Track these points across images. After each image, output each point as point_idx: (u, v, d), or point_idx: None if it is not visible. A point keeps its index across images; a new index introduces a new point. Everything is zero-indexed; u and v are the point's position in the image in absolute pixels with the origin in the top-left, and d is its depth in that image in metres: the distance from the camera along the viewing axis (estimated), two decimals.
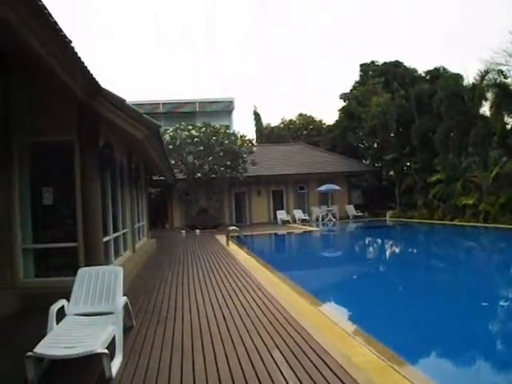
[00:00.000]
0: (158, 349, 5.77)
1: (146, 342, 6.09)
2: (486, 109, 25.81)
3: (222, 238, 21.43)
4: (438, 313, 9.35)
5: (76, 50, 6.18)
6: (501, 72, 23.84)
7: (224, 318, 7.16)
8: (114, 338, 5.30)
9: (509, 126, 24.04)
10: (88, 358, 4.77)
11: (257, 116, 53.18)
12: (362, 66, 42.80)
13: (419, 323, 8.57)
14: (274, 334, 6.19)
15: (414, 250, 21.92)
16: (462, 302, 10.48)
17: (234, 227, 21.46)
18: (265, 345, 5.78)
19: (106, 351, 4.74)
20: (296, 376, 4.70)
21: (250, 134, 48.16)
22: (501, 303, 10.98)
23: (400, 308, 10.03)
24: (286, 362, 5.13)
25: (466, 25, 68.45)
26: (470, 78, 27.52)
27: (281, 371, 4.85)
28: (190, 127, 29.94)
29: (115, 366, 5.03)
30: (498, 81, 23.86)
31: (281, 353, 5.44)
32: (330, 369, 4.84)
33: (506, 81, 23.80)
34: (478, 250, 20.42)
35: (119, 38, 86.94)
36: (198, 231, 27.56)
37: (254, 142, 33.39)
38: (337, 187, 33.25)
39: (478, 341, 7.66)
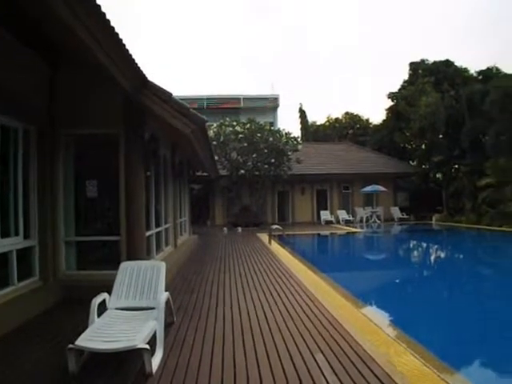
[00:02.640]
0: (198, 346, 5.70)
1: (187, 338, 6.03)
2: None
3: (264, 237, 21.34)
4: (485, 319, 9.01)
5: (124, 42, 6.17)
6: None
7: (266, 318, 7.03)
8: (154, 334, 5.25)
9: None
10: (128, 353, 4.76)
11: (302, 113, 52.89)
12: (411, 64, 41.85)
13: (466, 330, 8.28)
14: (317, 337, 6.02)
15: (460, 256, 21.28)
16: (509, 309, 10.07)
17: (276, 226, 21.29)
18: (307, 347, 5.62)
19: (147, 346, 4.70)
20: (339, 381, 4.56)
21: (295, 131, 47.98)
22: None
23: (445, 314, 9.72)
24: (330, 365, 4.97)
25: None
26: None
27: (324, 375, 4.71)
28: (235, 123, 29.86)
29: (155, 361, 4.99)
30: None
31: (324, 356, 5.28)
32: (375, 374, 4.70)
33: None
34: None
35: (165, 31, 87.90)
36: (239, 229, 27.49)
37: (299, 139, 33.06)
38: (382, 188, 32.64)
39: None
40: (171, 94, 7.71)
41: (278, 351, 5.47)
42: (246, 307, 7.80)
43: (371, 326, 6.71)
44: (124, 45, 6.20)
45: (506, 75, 29.07)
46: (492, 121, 26.60)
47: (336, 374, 4.71)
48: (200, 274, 11.59)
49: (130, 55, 6.56)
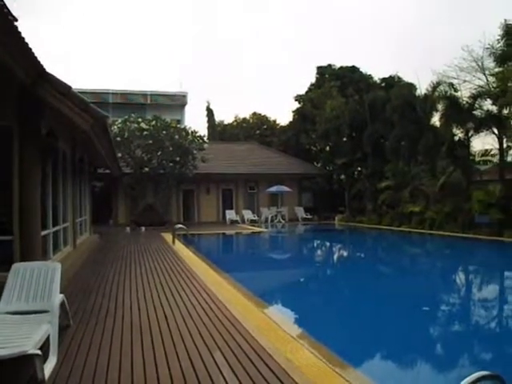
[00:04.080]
0: (95, 349, 5.53)
1: (84, 342, 5.83)
2: (436, 119, 26.61)
3: (168, 236, 21.06)
4: (381, 316, 9.46)
5: (19, 28, 5.82)
6: (451, 85, 24.57)
7: (166, 318, 6.97)
8: (48, 338, 5.01)
9: (457, 138, 24.75)
10: (19, 360, 4.46)
11: (210, 112, 52.83)
12: (318, 68, 43.25)
13: (363, 326, 8.65)
14: (216, 335, 6.07)
15: (361, 255, 22.23)
16: (404, 305, 10.63)
17: (180, 225, 21.07)
18: (206, 345, 5.65)
19: (39, 352, 4.45)
20: (237, 378, 4.61)
21: (202, 130, 47.84)
22: (441, 307, 11.26)
23: (344, 311, 10.12)
24: (227, 363, 5.02)
25: (423, 36, 70.31)
26: (422, 88, 28.31)
27: (221, 372, 4.75)
28: (140, 120, 29.28)
29: (48, 368, 4.75)
30: (449, 93, 24.60)
31: (222, 354, 5.33)
32: (272, 370, 4.78)
33: (456, 94, 24.56)
34: (422, 256, 20.91)
35: (68, 21, 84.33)
36: (143, 228, 26.94)
37: (206, 138, 33.04)
38: (287, 189, 33.35)
39: (419, 344, 7.76)
40: (70, 88, 7.37)
41: (176, 350, 5.45)
42: (145, 308, 7.69)
43: (270, 324, 6.84)
44: (18, 32, 5.84)
45: (407, 84, 30.74)
46: (392, 126, 28.08)
47: (234, 372, 4.75)
48: (100, 274, 11.27)
49: (26, 43, 6.20)
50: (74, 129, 9.49)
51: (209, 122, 52.72)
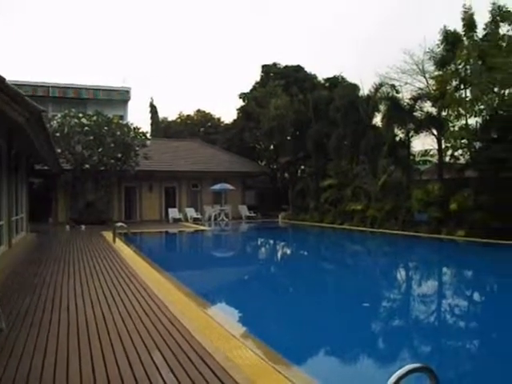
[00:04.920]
0: (29, 353, 5.35)
1: (17, 346, 5.63)
2: (378, 119, 27.24)
3: (108, 235, 20.59)
4: (323, 313, 9.61)
5: None
6: (393, 86, 25.23)
7: (104, 318, 6.85)
8: None
9: (398, 138, 25.45)
10: None
11: (153, 108, 52.03)
12: (263, 67, 43.32)
13: (305, 324, 8.75)
14: (155, 334, 6.02)
15: (303, 252, 22.50)
16: (345, 301, 10.86)
17: (121, 223, 20.69)
18: (145, 345, 5.60)
19: None
20: (175, 377, 4.58)
21: (146, 126, 47.01)
22: (382, 303, 11.54)
23: (286, 309, 10.20)
24: (166, 362, 4.99)
25: (368, 38, 71.72)
26: (365, 89, 28.89)
27: (160, 373, 4.70)
28: (81, 115, 28.48)
29: None
30: (391, 94, 25.26)
31: (161, 353, 5.30)
32: (211, 370, 4.77)
33: (398, 95, 25.23)
34: (362, 253, 21.36)
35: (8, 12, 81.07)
36: (83, 226, 26.20)
37: (149, 135, 32.49)
38: (230, 187, 33.31)
39: (359, 340, 7.93)
40: (4, 79, 7.08)
41: (114, 351, 5.37)
42: (83, 308, 7.55)
43: (211, 323, 6.85)
44: None
45: (350, 84, 31.26)
46: (335, 125, 28.53)
47: (173, 372, 4.72)
48: (36, 275, 10.95)
49: None
50: (8, 122, 9.13)
51: (152, 118, 51.94)
